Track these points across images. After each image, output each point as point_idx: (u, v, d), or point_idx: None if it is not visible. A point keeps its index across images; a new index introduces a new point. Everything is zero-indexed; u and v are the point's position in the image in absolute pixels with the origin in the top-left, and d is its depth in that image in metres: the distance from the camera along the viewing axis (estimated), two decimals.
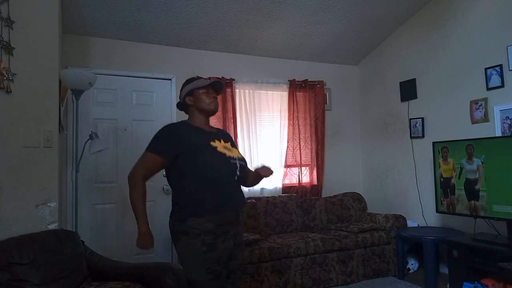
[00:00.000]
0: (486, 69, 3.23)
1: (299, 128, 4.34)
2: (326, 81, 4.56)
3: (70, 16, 3.20)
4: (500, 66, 3.12)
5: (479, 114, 3.30)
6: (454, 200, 3.11)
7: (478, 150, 2.92)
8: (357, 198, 4.24)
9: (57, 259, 2.11)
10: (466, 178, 3.01)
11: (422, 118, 3.87)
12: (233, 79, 4.04)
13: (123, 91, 3.68)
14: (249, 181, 2.03)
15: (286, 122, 4.30)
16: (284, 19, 3.66)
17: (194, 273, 1.75)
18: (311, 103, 4.46)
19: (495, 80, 3.17)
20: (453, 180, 3.12)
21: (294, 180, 4.33)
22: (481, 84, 3.28)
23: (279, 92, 4.33)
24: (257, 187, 3.97)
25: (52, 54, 2.47)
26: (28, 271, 1.98)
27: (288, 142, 4.29)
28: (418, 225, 3.84)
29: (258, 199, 3.76)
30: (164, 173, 1.92)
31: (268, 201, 3.79)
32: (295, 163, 4.32)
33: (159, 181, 3.56)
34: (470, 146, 2.97)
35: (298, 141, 4.32)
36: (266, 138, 4.23)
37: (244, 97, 4.12)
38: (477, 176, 2.92)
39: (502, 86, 3.11)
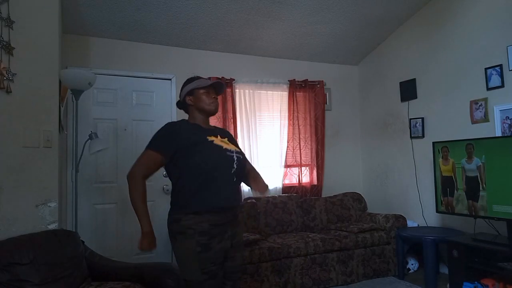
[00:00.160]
0: (486, 69, 3.23)
1: (299, 128, 4.34)
2: (326, 81, 4.56)
3: (70, 16, 3.20)
4: (500, 66, 3.12)
5: (479, 114, 3.30)
6: (454, 200, 3.11)
7: (478, 150, 2.92)
8: (357, 198, 4.24)
9: (57, 259, 2.11)
10: (466, 178, 3.01)
11: (422, 118, 3.87)
12: (233, 79, 4.04)
13: (123, 91, 3.68)
14: (249, 182, 2.01)
15: (286, 122, 4.30)
16: (284, 19, 3.66)
17: (190, 273, 1.75)
18: (311, 103, 4.46)
19: (495, 80, 3.17)
20: (453, 180, 3.11)
21: (294, 180, 4.33)
22: (481, 84, 3.28)
23: (279, 92, 4.33)
24: None
25: (52, 54, 2.47)
26: (28, 271, 1.98)
27: (288, 142, 4.29)
28: (418, 225, 3.84)
29: (258, 199, 3.76)
30: (164, 173, 1.92)
31: (268, 201, 3.79)
32: (295, 163, 4.32)
33: (159, 181, 3.57)
34: (470, 146, 2.97)
35: (298, 141, 4.33)
36: (266, 138, 4.23)
37: (244, 97, 4.13)
38: (477, 176, 2.92)
39: (502, 86, 3.11)
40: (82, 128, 3.28)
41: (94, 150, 2.98)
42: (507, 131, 3.07)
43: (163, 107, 3.82)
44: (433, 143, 3.34)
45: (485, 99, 3.24)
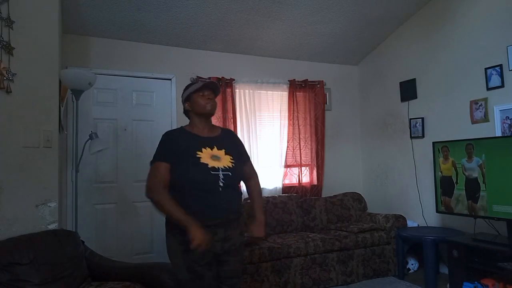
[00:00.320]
0: (486, 69, 3.23)
1: (299, 128, 4.34)
2: (326, 81, 4.55)
3: (70, 16, 3.20)
4: (500, 66, 3.12)
5: (479, 114, 3.30)
6: (454, 200, 3.11)
7: (478, 150, 2.92)
8: (357, 198, 4.24)
9: (57, 259, 2.11)
10: (466, 178, 3.01)
11: (422, 118, 3.87)
12: (233, 79, 4.04)
13: (123, 91, 3.68)
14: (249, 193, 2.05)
15: (286, 122, 4.30)
16: (284, 19, 3.66)
17: (178, 271, 1.79)
18: (311, 103, 4.46)
19: (495, 80, 3.17)
20: (453, 180, 3.11)
21: (294, 180, 4.33)
22: (481, 84, 3.28)
23: (279, 92, 4.33)
24: None
25: (52, 54, 2.47)
26: (28, 271, 1.98)
27: (288, 142, 4.29)
28: (418, 225, 3.84)
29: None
30: None
31: (268, 201, 3.79)
32: (295, 163, 4.32)
33: None
34: (470, 146, 2.97)
35: (298, 141, 4.32)
36: (266, 138, 4.23)
37: (244, 97, 4.12)
38: (477, 175, 2.92)
39: (502, 86, 3.11)
40: (82, 128, 3.28)
41: (94, 150, 2.99)
42: (507, 131, 3.07)
43: (163, 107, 3.82)
44: (433, 143, 3.34)
45: (485, 99, 3.24)
